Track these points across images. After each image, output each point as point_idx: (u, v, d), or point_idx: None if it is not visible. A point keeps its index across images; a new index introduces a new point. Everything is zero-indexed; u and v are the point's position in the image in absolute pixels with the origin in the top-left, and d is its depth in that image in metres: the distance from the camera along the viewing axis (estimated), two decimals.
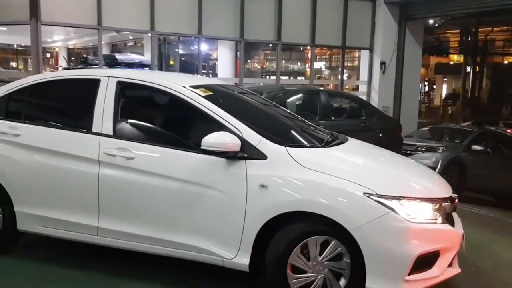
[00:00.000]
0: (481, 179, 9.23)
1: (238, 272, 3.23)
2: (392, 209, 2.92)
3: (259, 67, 24.30)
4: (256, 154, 3.16)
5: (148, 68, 10.76)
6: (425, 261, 2.97)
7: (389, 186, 3.06)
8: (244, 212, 3.12)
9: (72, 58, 21.26)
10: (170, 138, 3.50)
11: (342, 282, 3.04)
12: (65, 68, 14.75)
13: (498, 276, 4.05)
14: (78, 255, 3.96)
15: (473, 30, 27.85)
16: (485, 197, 9.52)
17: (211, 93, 3.60)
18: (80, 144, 3.55)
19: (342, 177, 3.04)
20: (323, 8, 11.41)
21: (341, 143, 3.76)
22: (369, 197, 2.94)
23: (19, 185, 3.71)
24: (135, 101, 3.80)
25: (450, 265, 3.16)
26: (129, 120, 3.63)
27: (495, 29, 29.18)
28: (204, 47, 13.46)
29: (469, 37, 28.88)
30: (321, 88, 9.55)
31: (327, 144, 3.63)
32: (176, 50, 16.87)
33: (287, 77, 21.67)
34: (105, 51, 15.66)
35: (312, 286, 3.05)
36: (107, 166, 3.44)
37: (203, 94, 3.49)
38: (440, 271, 3.06)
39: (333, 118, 7.74)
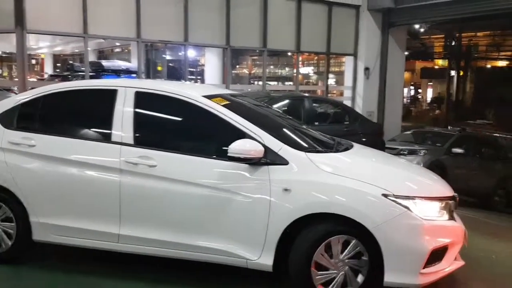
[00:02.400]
0: (462, 181, 9.44)
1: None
2: (408, 208, 3.17)
3: (247, 73, 24.42)
4: (278, 160, 3.35)
5: (135, 75, 10.82)
6: (436, 255, 3.24)
7: (403, 187, 3.34)
8: (267, 215, 3.29)
9: (58, 65, 21.19)
10: (192, 146, 3.62)
11: (360, 278, 3.27)
12: (51, 76, 14.75)
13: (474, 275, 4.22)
14: (88, 262, 4.03)
15: (457, 35, 28.33)
16: (466, 198, 9.75)
17: (229, 102, 3.75)
18: (100, 153, 3.62)
19: (360, 179, 3.27)
20: (308, 15, 11.59)
21: (350, 147, 4.00)
22: (386, 198, 3.17)
23: (35, 196, 3.74)
24: (153, 111, 3.86)
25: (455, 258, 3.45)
26: (149, 129, 3.76)
27: (478, 34, 29.67)
28: (191, 53, 13.56)
29: (453, 42, 29.37)
30: (306, 94, 9.72)
31: (338, 149, 3.85)
32: (164, 56, 16.92)
33: (275, 82, 21.83)
34: (92, 58, 15.67)
35: (333, 282, 3.26)
36: (129, 174, 3.53)
37: (222, 103, 3.64)
38: (448, 264, 3.35)
39: (317, 123, 7.90)
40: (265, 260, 3.33)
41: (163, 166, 3.49)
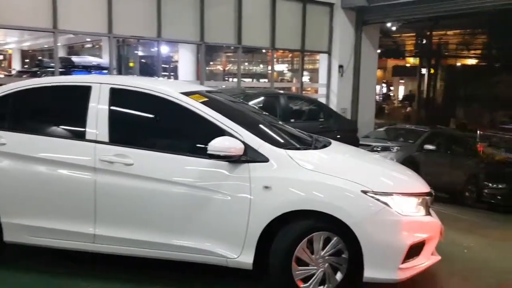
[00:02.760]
0: (434, 177, 9.61)
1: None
2: (386, 204, 3.21)
3: (221, 69, 24.31)
4: (258, 157, 3.34)
5: (106, 71, 10.60)
6: (414, 250, 3.29)
7: (381, 183, 3.38)
8: (248, 213, 3.27)
9: (27, 61, 20.61)
10: (170, 144, 3.56)
11: (339, 276, 3.33)
12: (19, 72, 14.32)
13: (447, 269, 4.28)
14: (63, 263, 3.92)
15: (428, 33, 28.88)
16: (438, 194, 9.93)
17: (207, 99, 3.70)
18: (74, 152, 3.53)
19: (339, 176, 3.29)
20: (282, 12, 11.57)
21: (329, 144, 4.02)
22: (366, 194, 3.19)
23: (6, 196, 3.61)
24: (129, 108, 3.79)
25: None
26: (124, 127, 3.68)
27: (448, 32, 30.30)
28: (164, 49, 13.36)
29: (424, 41, 29.94)
30: (281, 91, 9.70)
31: (317, 146, 3.86)
32: (136, 52, 16.64)
33: (249, 79, 21.78)
34: (62, 53, 15.29)
35: (313, 278, 3.29)
36: (104, 173, 3.45)
37: (200, 100, 3.59)
38: (426, 258, 3.42)
39: (292, 120, 7.89)
40: (245, 258, 3.31)
41: (140, 164, 3.42)
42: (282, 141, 3.65)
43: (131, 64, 16.27)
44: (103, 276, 3.70)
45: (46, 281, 3.62)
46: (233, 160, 3.28)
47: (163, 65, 12.46)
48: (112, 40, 9.56)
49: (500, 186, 12.01)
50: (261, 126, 3.83)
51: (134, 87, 3.71)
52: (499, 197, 11.83)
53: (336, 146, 4.12)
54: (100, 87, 3.64)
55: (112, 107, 3.59)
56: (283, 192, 3.26)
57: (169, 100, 3.55)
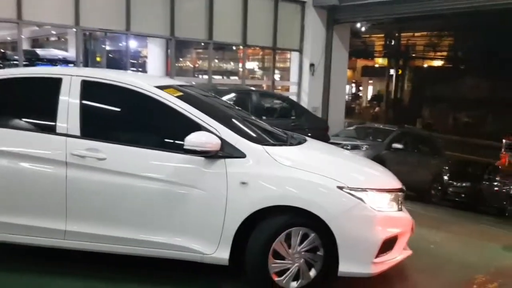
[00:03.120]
0: (401, 175, 9.76)
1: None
2: (362, 200, 3.26)
3: (191, 66, 24.07)
4: (235, 153, 3.31)
5: (72, 65, 10.31)
6: (387, 245, 3.35)
7: (356, 179, 3.42)
8: (224, 209, 3.25)
9: None
10: (144, 139, 3.50)
11: (312, 272, 3.36)
12: None
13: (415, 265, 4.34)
14: (35, 260, 3.78)
15: (396, 34, 29.46)
16: (406, 191, 10.11)
17: (182, 94, 3.64)
18: (44, 146, 3.40)
19: (316, 172, 3.31)
20: (254, 8, 11.53)
21: (304, 141, 4.02)
22: (341, 190, 3.23)
23: None
24: (102, 101, 3.68)
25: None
26: (97, 121, 3.58)
27: (416, 34, 30.98)
28: (133, 44, 13.10)
29: (393, 42, 30.52)
30: (253, 88, 9.66)
31: (293, 142, 3.87)
32: (103, 46, 16.27)
33: (220, 77, 21.65)
34: (25, 46, 14.77)
35: (287, 272, 3.31)
36: (76, 168, 3.34)
37: (175, 95, 3.53)
38: (398, 253, 3.50)
39: (264, 117, 7.86)
40: (221, 254, 3.30)
41: (113, 159, 3.34)
42: (258, 137, 3.63)
43: (98, 59, 15.90)
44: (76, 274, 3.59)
45: (22, 281, 3.49)
46: (209, 155, 3.25)
47: (131, 60, 12.23)
48: (79, 33, 9.31)
49: (464, 184, 12.38)
50: (237, 121, 3.79)
51: (107, 79, 3.60)
52: (463, 195, 12.19)
53: (311, 143, 4.15)
54: (71, 79, 3.53)
55: (83, 100, 3.49)
56: (260, 188, 3.26)
57: (144, 94, 3.48)
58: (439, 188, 11.51)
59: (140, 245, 3.37)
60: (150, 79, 3.89)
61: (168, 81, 4.12)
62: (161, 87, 3.56)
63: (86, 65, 12.91)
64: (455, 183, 12.36)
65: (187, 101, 3.52)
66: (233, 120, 3.77)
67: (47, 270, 3.63)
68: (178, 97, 3.52)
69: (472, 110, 29.17)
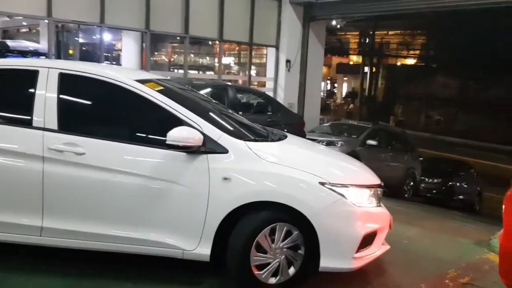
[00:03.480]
0: (375, 171, 9.93)
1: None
2: (343, 196, 3.28)
3: (167, 60, 23.81)
4: (217, 148, 3.29)
5: (44, 57, 10.04)
6: (367, 240, 3.41)
7: (337, 175, 3.45)
8: (206, 205, 3.22)
9: None
10: (125, 134, 3.43)
11: (291, 270, 3.37)
12: None
13: (390, 260, 4.41)
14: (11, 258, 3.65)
15: (371, 33, 29.84)
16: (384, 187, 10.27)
17: (162, 88, 3.58)
18: (20, 140, 3.29)
19: (298, 168, 3.32)
20: (231, 3, 11.47)
21: (284, 137, 4.02)
22: (323, 186, 3.24)
23: None
24: (81, 94, 3.59)
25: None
26: (76, 115, 3.49)
27: (390, 32, 31.44)
28: (107, 36, 12.87)
29: (367, 40, 30.90)
30: (229, 83, 9.61)
31: (274, 138, 3.86)
32: (76, 38, 15.94)
33: (196, 71, 21.49)
34: None
35: (268, 267, 3.31)
36: (53, 162, 3.25)
37: (156, 89, 3.46)
38: (377, 248, 3.54)
39: (240, 113, 7.83)
40: (203, 250, 3.28)
41: (93, 154, 3.27)
42: (240, 132, 3.60)
43: (70, 51, 15.56)
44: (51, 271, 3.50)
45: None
46: (191, 151, 3.22)
47: (105, 53, 12.01)
48: (51, 25, 9.06)
49: (435, 180, 12.67)
50: (219, 117, 3.75)
51: (87, 73, 3.51)
52: (434, 191, 12.48)
53: (292, 139, 4.16)
54: (48, 72, 3.43)
55: (61, 93, 3.40)
56: (243, 183, 3.24)
57: (124, 88, 3.41)
58: (412, 184, 11.75)
59: (120, 241, 3.32)
60: (129, 73, 3.82)
61: (148, 75, 4.06)
62: (142, 81, 3.50)
63: (58, 57, 12.57)
64: (427, 180, 12.66)
65: (168, 95, 3.47)
66: (215, 115, 3.73)
67: (32, 268, 3.54)
68: (159, 91, 3.46)
69: (443, 108, 29.83)
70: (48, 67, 3.47)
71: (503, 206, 2.96)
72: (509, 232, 2.90)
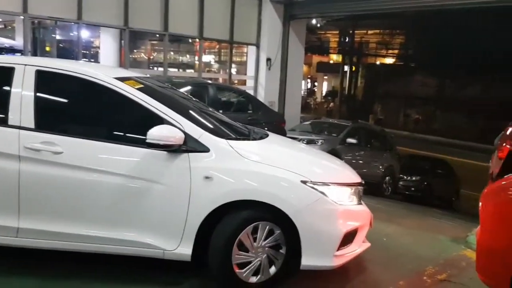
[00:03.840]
0: (355, 169, 10.01)
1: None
2: (324, 194, 3.28)
3: (146, 58, 23.56)
4: (199, 147, 3.26)
5: (20, 54, 9.82)
6: (348, 238, 3.43)
7: (319, 174, 3.46)
8: (187, 204, 3.20)
9: None
10: (104, 133, 3.37)
11: (272, 269, 3.37)
12: None
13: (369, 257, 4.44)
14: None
15: (350, 32, 30.07)
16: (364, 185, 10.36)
17: (142, 86, 3.53)
18: None
19: (279, 166, 3.31)
20: (211, 1, 11.40)
21: (266, 136, 4.01)
22: (305, 184, 3.24)
23: None
24: (58, 92, 3.53)
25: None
26: (53, 113, 3.43)
27: (369, 32, 31.74)
28: (85, 33, 12.65)
29: (347, 39, 31.13)
30: (210, 81, 9.56)
31: (255, 137, 3.85)
32: (53, 35, 15.63)
33: (176, 69, 21.31)
34: None
35: (249, 266, 3.30)
36: (30, 162, 3.18)
37: (136, 87, 3.41)
38: (358, 245, 3.56)
39: (221, 111, 7.78)
40: (184, 250, 3.25)
41: (71, 153, 3.21)
42: (222, 131, 3.57)
43: (47, 48, 15.26)
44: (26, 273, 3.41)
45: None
46: (172, 149, 3.19)
47: (83, 51, 11.81)
48: (26, 21, 8.86)
49: (414, 178, 12.85)
50: (200, 115, 3.71)
51: (64, 70, 3.44)
52: (412, 189, 12.66)
53: (273, 137, 4.15)
54: (25, 69, 3.35)
55: (38, 91, 3.32)
56: (224, 182, 3.23)
57: (103, 85, 3.35)
58: (391, 182, 11.89)
59: (99, 242, 3.27)
60: (108, 70, 3.76)
61: (127, 73, 4.00)
62: (121, 79, 3.45)
63: (35, 54, 12.35)
64: (405, 177, 12.83)
65: (148, 93, 3.42)
66: (196, 113, 3.69)
67: (5, 271, 3.46)
68: (138, 89, 3.42)
69: (422, 106, 30.27)
70: (25, 64, 3.39)
71: (480, 204, 3.00)
72: (486, 229, 2.95)
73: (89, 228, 3.26)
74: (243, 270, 3.29)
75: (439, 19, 21.85)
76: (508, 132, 2.99)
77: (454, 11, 12.96)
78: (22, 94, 3.29)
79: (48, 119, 3.34)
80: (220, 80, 14.23)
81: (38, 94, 3.32)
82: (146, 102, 3.32)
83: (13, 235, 3.25)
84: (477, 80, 26.89)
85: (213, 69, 25.44)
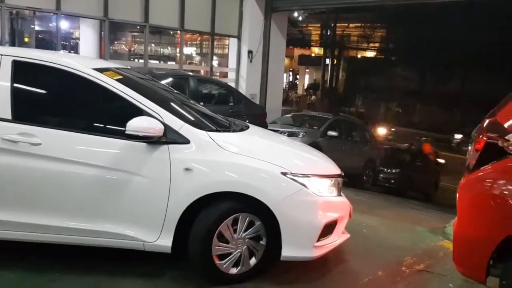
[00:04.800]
0: (335, 162, 10.10)
1: None
2: (304, 185, 3.31)
3: (126, 49, 23.26)
4: (179, 139, 3.25)
5: None
6: (328, 229, 3.44)
7: (299, 165, 3.48)
8: (167, 196, 3.19)
9: None
10: (83, 124, 3.33)
11: (253, 261, 3.41)
12: None
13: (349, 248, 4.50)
14: None
15: (332, 25, 30.14)
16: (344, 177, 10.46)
17: (122, 77, 3.49)
18: None
19: (260, 158, 3.33)
20: None
21: (246, 128, 4.01)
22: (285, 176, 3.26)
23: None
24: (36, 83, 3.47)
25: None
26: (31, 104, 3.38)
27: (350, 25, 31.87)
28: (64, 24, 12.41)
29: (328, 32, 31.20)
30: (191, 73, 9.49)
31: (236, 129, 3.84)
32: (32, 26, 15.31)
33: (156, 61, 21.11)
34: None
35: (229, 257, 3.33)
36: (6, 153, 3.12)
37: (115, 78, 3.37)
38: (338, 236, 3.61)
39: (202, 103, 7.75)
40: (164, 241, 3.24)
41: (49, 144, 3.17)
42: (202, 123, 3.57)
43: (26, 39, 14.94)
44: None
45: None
46: (152, 141, 3.17)
47: (62, 42, 11.59)
48: (4, 11, 8.63)
49: (393, 170, 13.02)
50: (180, 106, 3.69)
51: (42, 60, 3.38)
52: (392, 181, 12.83)
53: (254, 129, 4.17)
54: (1, 59, 3.29)
55: (15, 82, 3.27)
56: (204, 174, 3.23)
57: (82, 76, 3.31)
58: (371, 174, 12.03)
59: (79, 234, 3.24)
60: (87, 61, 3.71)
61: (106, 64, 3.96)
62: (100, 70, 3.41)
63: (13, 45, 12.07)
64: (385, 170, 12.99)
65: (128, 84, 3.39)
66: (176, 105, 3.67)
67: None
68: (117, 80, 3.38)
69: (402, 100, 30.59)
70: (1, 54, 3.32)
71: (457, 195, 3.05)
72: (463, 220, 3.01)
73: (68, 220, 3.23)
74: (223, 262, 3.31)
75: (420, 13, 22.07)
76: (484, 125, 3.05)
77: (434, 5, 13.09)
78: None
79: (25, 110, 3.30)
80: (202, 73, 14.14)
81: (15, 84, 3.26)
82: (125, 93, 3.30)
83: None
84: (457, 74, 27.31)
85: (194, 61, 25.27)
